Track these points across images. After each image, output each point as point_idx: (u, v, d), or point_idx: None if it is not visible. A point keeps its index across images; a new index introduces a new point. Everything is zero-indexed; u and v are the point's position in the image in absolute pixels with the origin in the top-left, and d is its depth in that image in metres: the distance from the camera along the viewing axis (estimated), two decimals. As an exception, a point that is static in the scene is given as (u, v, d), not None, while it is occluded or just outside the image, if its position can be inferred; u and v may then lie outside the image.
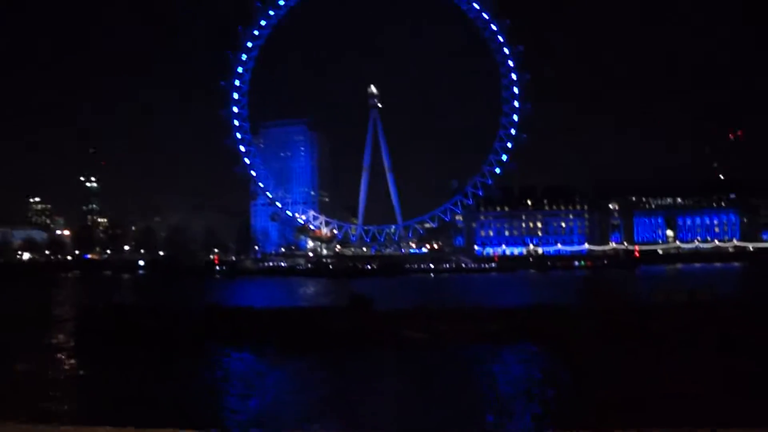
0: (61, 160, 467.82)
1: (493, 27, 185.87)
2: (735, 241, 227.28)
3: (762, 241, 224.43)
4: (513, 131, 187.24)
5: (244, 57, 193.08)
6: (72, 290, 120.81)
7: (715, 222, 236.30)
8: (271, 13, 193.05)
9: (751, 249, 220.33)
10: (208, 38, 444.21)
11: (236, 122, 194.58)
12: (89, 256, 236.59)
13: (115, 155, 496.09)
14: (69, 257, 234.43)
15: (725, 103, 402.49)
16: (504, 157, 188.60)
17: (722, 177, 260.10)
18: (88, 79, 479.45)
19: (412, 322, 47.80)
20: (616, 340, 43.44)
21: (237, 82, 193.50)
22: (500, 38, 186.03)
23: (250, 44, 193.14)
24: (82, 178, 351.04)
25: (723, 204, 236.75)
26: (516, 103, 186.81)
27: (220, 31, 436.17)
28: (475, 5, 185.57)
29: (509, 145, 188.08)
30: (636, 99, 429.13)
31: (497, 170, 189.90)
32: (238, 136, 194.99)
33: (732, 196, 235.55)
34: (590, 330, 45.84)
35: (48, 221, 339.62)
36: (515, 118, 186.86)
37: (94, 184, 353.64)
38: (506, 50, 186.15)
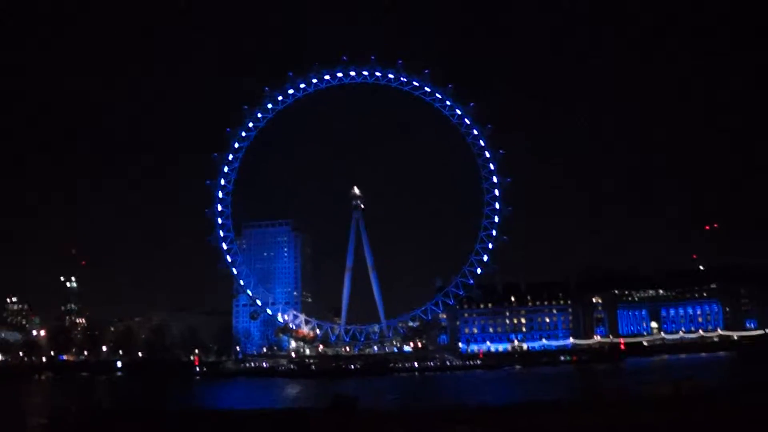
0: (41, 258, 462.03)
1: (475, 132, 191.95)
2: (719, 331, 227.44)
3: (746, 329, 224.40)
4: (494, 233, 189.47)
5: (230, 157, 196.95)
6: (44, 393, 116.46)
7: (699, 312, 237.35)
8: (259, 115, 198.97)
9: (736, 338, 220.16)
10: (192, 139, 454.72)
11: (220, 220, 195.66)
12: (65, 357, 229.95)
13: (95, 256, 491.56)
14: (43, 358, 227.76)
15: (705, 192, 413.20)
16: (485, 258, 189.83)
17: (701, 267, 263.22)
18: (70, 177, 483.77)
19: (400, 426, 46.30)
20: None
21: (222, 182, 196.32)
22: (482, 142, 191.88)
23: (237, 145, 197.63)
24: (62, 278, 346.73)
25: (705, 294, 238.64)
26: (497, 205, 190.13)
27: (204, 133, 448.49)
28: (458, 111, 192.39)
29: (490, 246, 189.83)
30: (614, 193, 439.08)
31: (478, 270, 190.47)
32: (221, 234, 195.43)
33: (713, 285, 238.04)
34: (584, 428, 45.12)
35: (24, 321, 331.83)
36: (496, 219, 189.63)
37: (74, 284, 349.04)
38: (488, 154, 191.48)
